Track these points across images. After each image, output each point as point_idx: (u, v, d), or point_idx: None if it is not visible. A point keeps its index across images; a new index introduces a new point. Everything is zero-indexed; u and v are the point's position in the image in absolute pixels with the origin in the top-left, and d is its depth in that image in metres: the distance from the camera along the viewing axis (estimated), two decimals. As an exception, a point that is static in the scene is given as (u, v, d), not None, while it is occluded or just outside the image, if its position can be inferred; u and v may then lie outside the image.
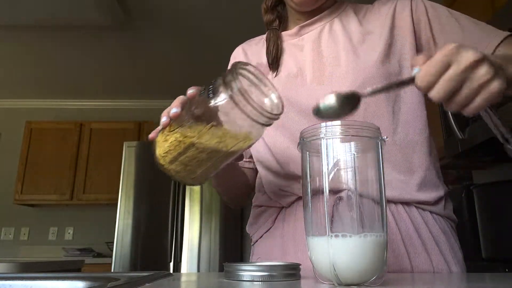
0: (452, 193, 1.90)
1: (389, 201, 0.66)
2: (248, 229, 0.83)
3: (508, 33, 0.69)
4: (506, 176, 1.88)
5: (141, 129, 3.78)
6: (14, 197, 3.59)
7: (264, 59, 0.81)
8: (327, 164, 0.45)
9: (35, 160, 3.67)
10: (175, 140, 0.55)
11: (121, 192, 3.01)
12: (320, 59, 0.74)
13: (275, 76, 0.77)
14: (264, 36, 0.86)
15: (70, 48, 3.17)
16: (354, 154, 0.46)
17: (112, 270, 2.81)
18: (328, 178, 0.45)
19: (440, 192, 0.70)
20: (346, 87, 0.69)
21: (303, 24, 0.79)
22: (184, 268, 2.84)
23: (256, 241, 0.80)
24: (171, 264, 2.86)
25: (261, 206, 0.80)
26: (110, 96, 4.10)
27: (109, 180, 3.53)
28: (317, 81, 0.72)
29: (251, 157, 0.86)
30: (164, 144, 0.57)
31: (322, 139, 0.46)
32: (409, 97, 0.72)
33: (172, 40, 3.04)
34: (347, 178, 0.45)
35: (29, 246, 3.74)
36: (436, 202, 0.70)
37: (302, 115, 0.72)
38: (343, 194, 0.45)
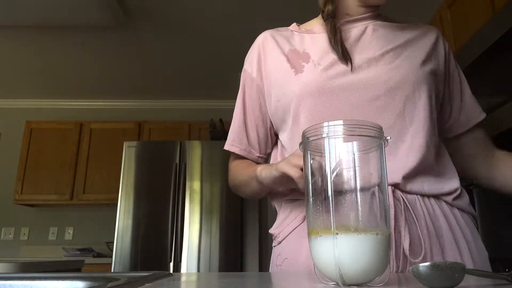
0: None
1: (422, 195, 0.71)
2: (273, 229, 0.82)
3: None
4: (506, 176, 1.88)
5: (141, 129, 3.78)
6: (14, 197, 3.59)
7: (297, 46, 0.82)
8: (330, 164, 0.45)
9: (35, 160, 3.67)
10: None
11: (121, 192, 3.01)
12: (359, 55, 0.78)
13: (351, 66, 0.76)
14: (289, 27, 0.88)
15: (70, 48, 3.17)
16: (357, 154, 0.46)
17: (112, 270, 2.81)
18: (332, 177, 0.45)
19: (454, 183, 0.75)
20: (382, 84, 0.74)
21: (348, 19, 0.83)
22: (184, 268, 2.84)
23: (281, 241, 0.78)
24: (171, 264, 2.86)
25: (293, 201, 0.79)
26: (110, 96, 4.10)
27: (109, 180, 3.53)
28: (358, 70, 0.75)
29: (265, 153, 0.89)
30: None
31: (325, 139, 0.46)
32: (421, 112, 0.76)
33: (172, 40, 3.04)
34: (350, 177, 0.45)
35: (29, 246, 3.74)
36: (451, 193, 0.73)
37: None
38: (346, 193, 0.45)
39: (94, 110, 4.14)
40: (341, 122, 0.46)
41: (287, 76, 0.79)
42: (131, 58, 3.33)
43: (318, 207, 0.46)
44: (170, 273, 0.62)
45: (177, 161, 3.07)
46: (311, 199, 0.47)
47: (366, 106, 0.72)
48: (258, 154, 0.88)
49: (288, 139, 0.81)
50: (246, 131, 0.86)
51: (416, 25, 0.86)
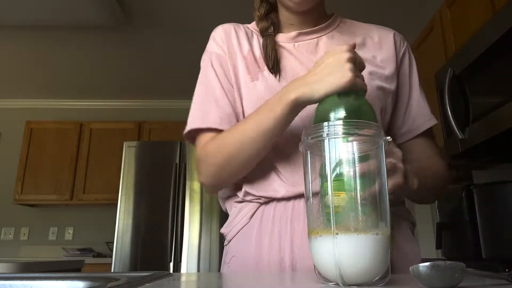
0: (452, 193, 1.89)
1: None
2: (223, 228, 0.81)
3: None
4: (506, 176, 1.88)
5: (141, 129, 3.78)
6: (14, 197, 3.59)
7: (255, 49, 0.81)
8: (330, 164, 0.45)
9: (35, 160, 3.67)
10: None
11: (121, 192, 3.01)
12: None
13: (279, 80, 0.76)
14: (249, 25, 0.87)
15: (70, 48, 3.17)
16: (356, 154, 0.46)
17: (112, 270, 2.81)
18: (332, 177, 0.45)
19: None
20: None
21: (301, 31, 0.81)
22: (184, 268, 2.84)
23: (230, 240, 0.78)
24: (171, 264, 2.86)
25: (242, 202, 0.78)
26: (110, 96, 4.10)
27: (109, 180, 3.53)
28: None
29: None
30: None
31: (325, 139, 0.46)
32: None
33: (172, 40, 3.04)
34: (350, 177, 0.45)
35: (29, 246, 3.74)
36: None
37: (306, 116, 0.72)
38: (346, 193, 0.45)
39: (94, 110, 4.14)
40: (341, 122, 0.46)
41: (244, 79, 0.78)
42: (131, 58, 3.33)
43: (318, 207, 0.47)
44: (170, 273, 0.62)
45: (177, 161, 3.07)
46: (311, 199, 0.47)
47: (311, 121, 0.70)
48: None
49: None
50: (235, 113, 0.78)
51: (370, 29, 0.83)
